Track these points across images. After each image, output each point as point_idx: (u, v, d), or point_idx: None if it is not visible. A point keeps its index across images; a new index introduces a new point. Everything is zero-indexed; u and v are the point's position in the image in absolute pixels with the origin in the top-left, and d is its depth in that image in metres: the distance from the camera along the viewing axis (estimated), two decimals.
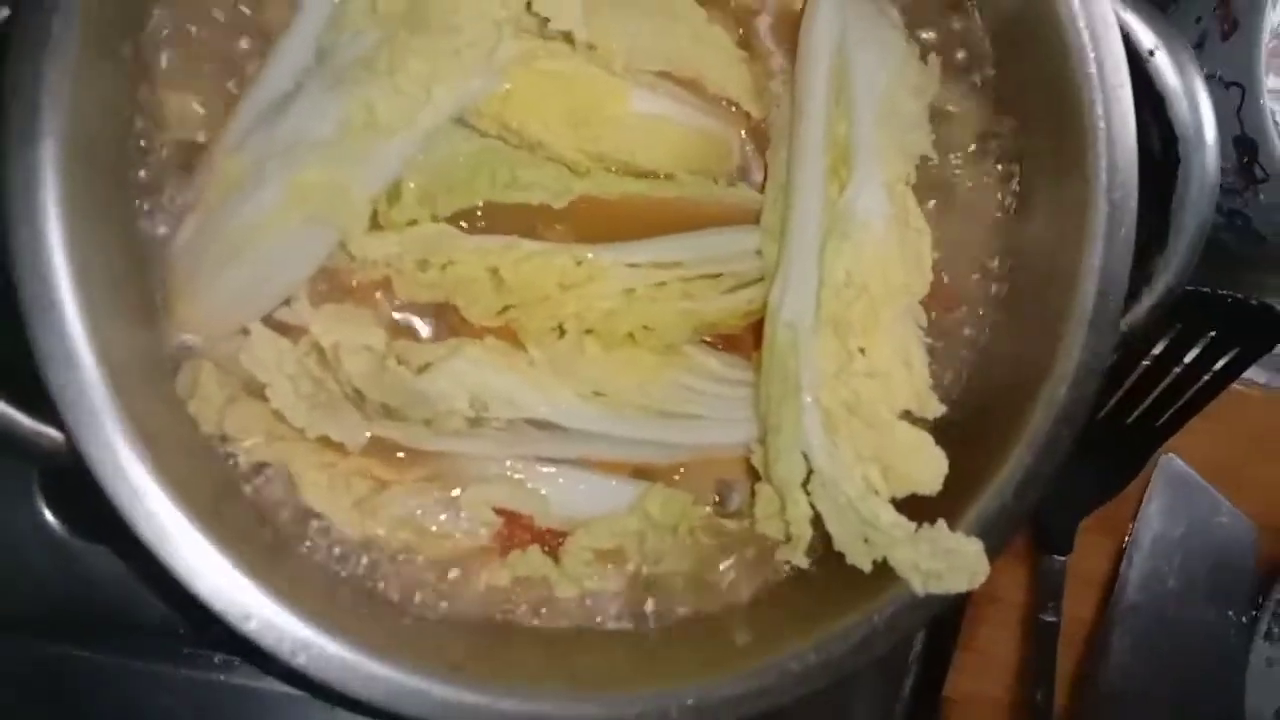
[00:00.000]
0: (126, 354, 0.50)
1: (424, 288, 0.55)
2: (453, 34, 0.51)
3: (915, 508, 0.54)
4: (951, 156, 0.60)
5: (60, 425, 0.49)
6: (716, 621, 0.58)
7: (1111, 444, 0.82)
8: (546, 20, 0.54)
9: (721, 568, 0.59)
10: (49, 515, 0.65)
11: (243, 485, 0.55)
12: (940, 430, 0.55)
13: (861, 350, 0.54)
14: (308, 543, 0.56)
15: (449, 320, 0.58)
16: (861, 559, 0.54)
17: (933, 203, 0.60)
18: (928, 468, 0.54)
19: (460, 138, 0.55)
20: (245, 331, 0.54)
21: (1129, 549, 0.86)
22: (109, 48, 0.51)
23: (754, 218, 0.59)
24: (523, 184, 0.56)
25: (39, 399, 0.50)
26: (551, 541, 0.58)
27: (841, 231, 0.54)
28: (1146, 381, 0.81)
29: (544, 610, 0.57)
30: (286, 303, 0.55)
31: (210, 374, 0.54)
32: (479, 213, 0.57)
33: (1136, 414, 0.82)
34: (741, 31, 0.60)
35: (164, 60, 0.54)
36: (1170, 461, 0.86)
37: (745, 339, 0.60)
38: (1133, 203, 0.53)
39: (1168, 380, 0.80)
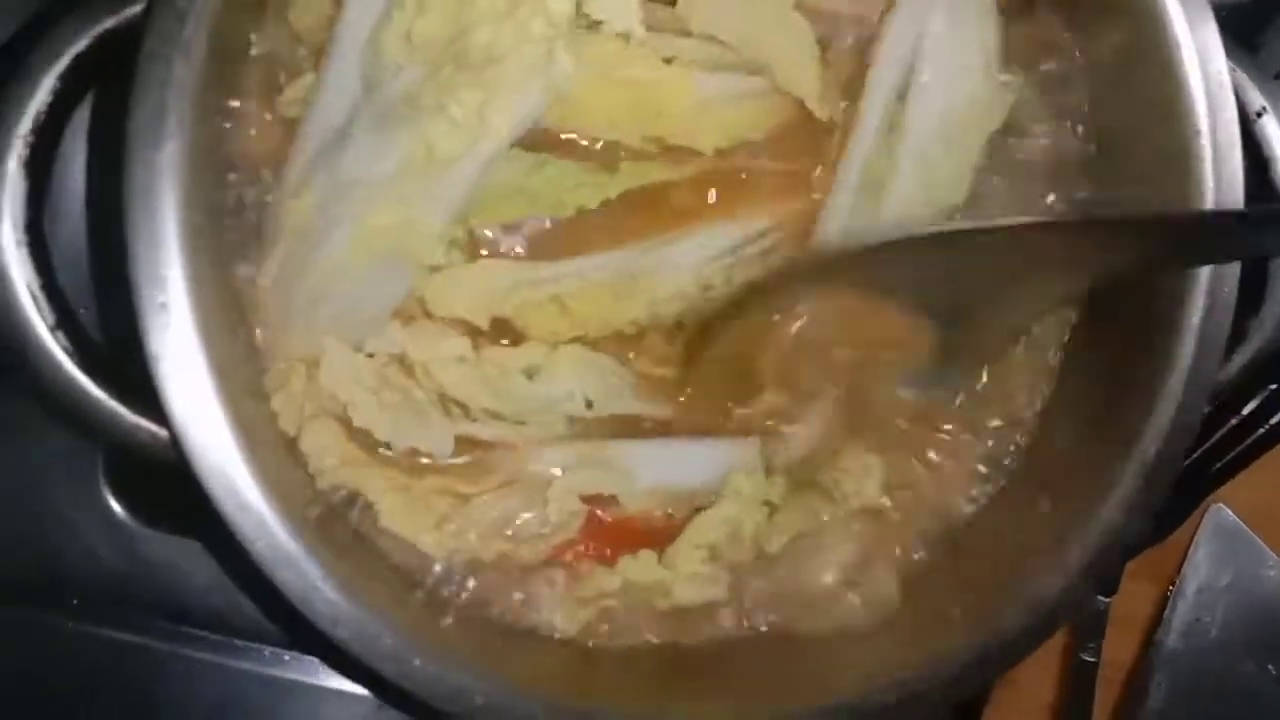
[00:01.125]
0: (230, 360, 0.52)
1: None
2: (497, 64, 0.53)
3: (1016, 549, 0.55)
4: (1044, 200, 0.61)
5: (160, 420, 0.50)
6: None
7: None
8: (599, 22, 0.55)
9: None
10: (112, 499, 0.67)
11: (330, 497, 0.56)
12: (1029, 480, 0.55)
13: None
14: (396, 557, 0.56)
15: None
16: None
17: None
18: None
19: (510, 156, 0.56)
20: None
21: (1173, 596, 0.86)
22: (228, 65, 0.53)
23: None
24: (570, 187, 0.57)
25: (140, 393, 0.51)
26: (647, 542, 0.58)
27: None
28: (1202, 428, 0.81)
29: (658, 621, 0.58)
30: None
31: (300, 375, 0.55)
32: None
33: (1190, 460, 0.82)
34: (822, 32, 0.60)
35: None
36: (1219, 511, 0.86)
37: None
38: (1236, 264, 0.53)
39: (1224, 429, 0.81)
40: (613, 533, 0.59)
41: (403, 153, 0.53)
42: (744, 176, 0.60)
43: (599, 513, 0.59)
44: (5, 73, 0.53)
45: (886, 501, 0.60)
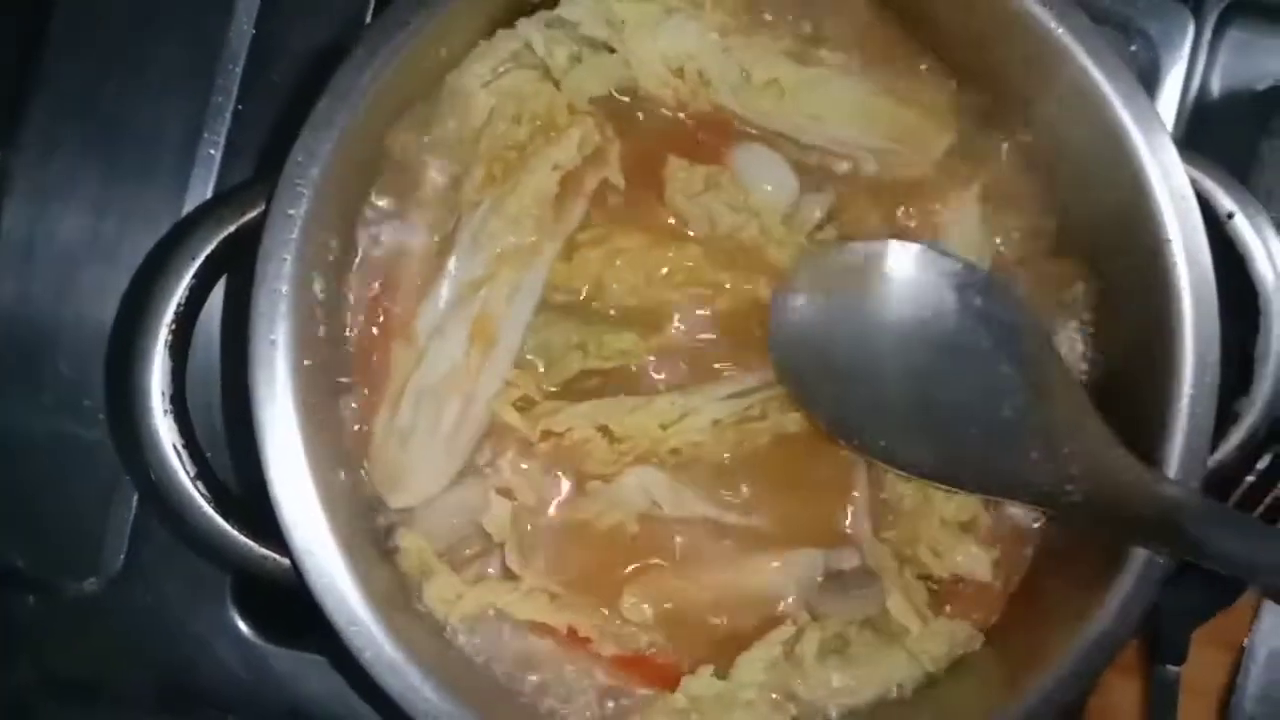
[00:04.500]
0: (339, 496, 0.59)
1: (543, 456, 0.64)
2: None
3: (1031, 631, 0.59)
4: None
5: (282, 550, 0.58)
6: None
7: None
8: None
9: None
10: (238, 618, 0.73)
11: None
12: (1046, 555, 0.60)
13: None
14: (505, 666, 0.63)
15: None
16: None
17: None
18: (969, 562, 0.62)
19: (550, 320, 0.64)
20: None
21: (1244, 661, 0.86)
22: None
23: None
24: (609, 351, 0.63)
25: (265, 528, 0.59)
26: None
27: None
28: (1254, 494, 0.83)
29: None
30: None
31: (411, 540, 0.63)
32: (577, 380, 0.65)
33: None
34: None
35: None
36: None
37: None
38: (1214, 355, 0.58)
39: (1272, 495, 0.83)
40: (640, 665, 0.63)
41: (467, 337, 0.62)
42: None
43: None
44: (154, 272, 0.61)
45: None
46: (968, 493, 0.63)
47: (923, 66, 0.66)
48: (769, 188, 0.64)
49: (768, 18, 0.65)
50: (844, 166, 0.66)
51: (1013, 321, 0.60)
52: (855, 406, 0.61)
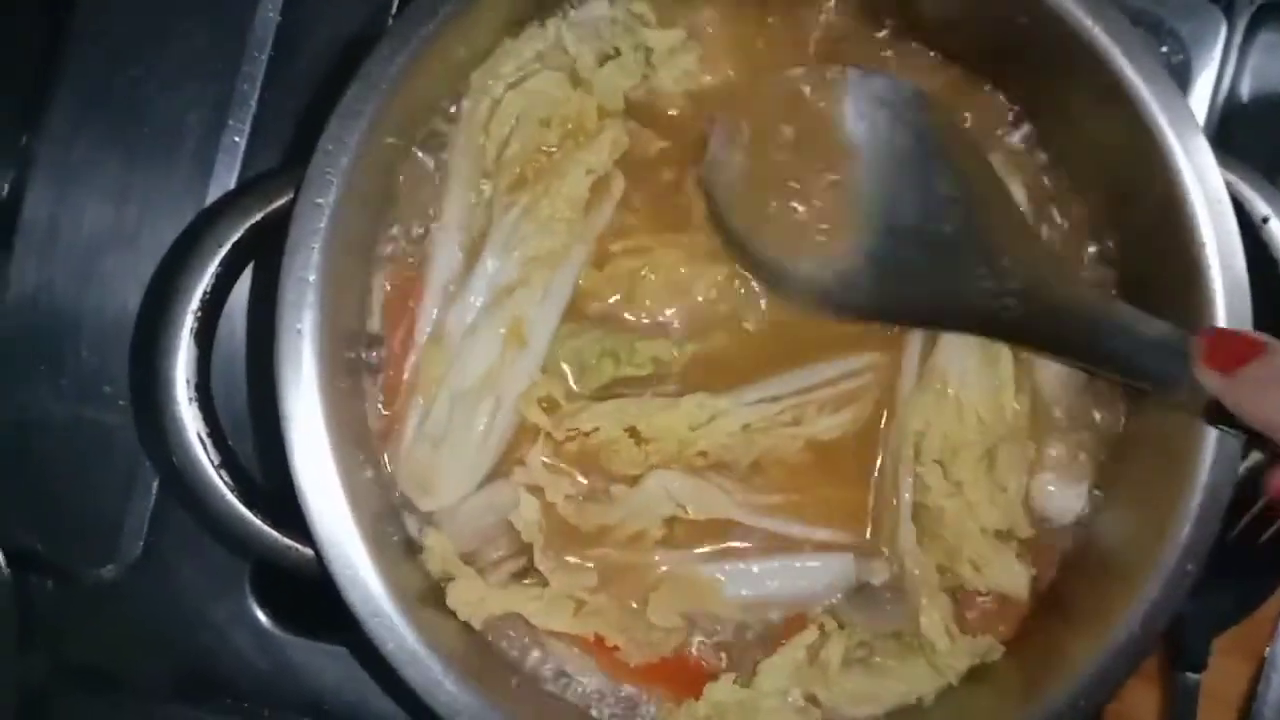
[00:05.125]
0: (364, 488, 0.59)
1: (569, 456, 0.64)
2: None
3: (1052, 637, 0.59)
4: None
5: (306, 541, 0.58)
6: None
7: (1244, 563, 0.84)
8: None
9: None
10: (256, 607, 0.73)
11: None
12: (1075, 562, 0.60)
13: (959, 484, 0.62)
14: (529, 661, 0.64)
15: None
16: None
17: None
18: (1009, 579, 0.61)
19: (580, 328, 0.64)
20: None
21: (1266, 670, 0.86)
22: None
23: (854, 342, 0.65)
24: (641, 358, 0.64)
25: (290, 519, 0.59)
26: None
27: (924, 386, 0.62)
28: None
29: None
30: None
31: (436, 540, 0.63)
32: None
33: (1268, 534, 0.83)
34: None
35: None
36: None
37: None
38: None
39: None
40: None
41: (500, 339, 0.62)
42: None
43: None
44: (180, 259, 0.61)
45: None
46: (911, 326, 0.63)
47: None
48: None
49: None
50: None
51: (947, 138, 0.61)
52: (792, 242, 0.61)
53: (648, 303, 0.64)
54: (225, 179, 0.72)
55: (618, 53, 0.64)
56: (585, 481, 0.63)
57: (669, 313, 0.64)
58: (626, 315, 0.64)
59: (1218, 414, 0.54)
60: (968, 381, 0.62)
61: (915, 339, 0.64)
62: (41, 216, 0.72)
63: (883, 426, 0.64)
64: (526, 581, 0.63)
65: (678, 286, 0.64)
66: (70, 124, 0.73)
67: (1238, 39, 0.74)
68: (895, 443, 0.64)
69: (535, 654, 0.64)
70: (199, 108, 0.73)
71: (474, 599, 0.62)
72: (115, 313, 0.72)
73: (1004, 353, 0.63)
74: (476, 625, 0.62)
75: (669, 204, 0.65)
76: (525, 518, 0.62)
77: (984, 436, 0.63)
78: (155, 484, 0.72)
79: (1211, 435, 0.58)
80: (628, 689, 0.63)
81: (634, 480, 0.62)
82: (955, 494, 0.63)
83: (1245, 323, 0.58)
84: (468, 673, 0.58)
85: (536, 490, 0.62)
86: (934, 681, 0.63)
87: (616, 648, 0.62)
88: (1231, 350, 0.52)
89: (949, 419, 0.62)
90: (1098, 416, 0.65)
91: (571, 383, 0.63)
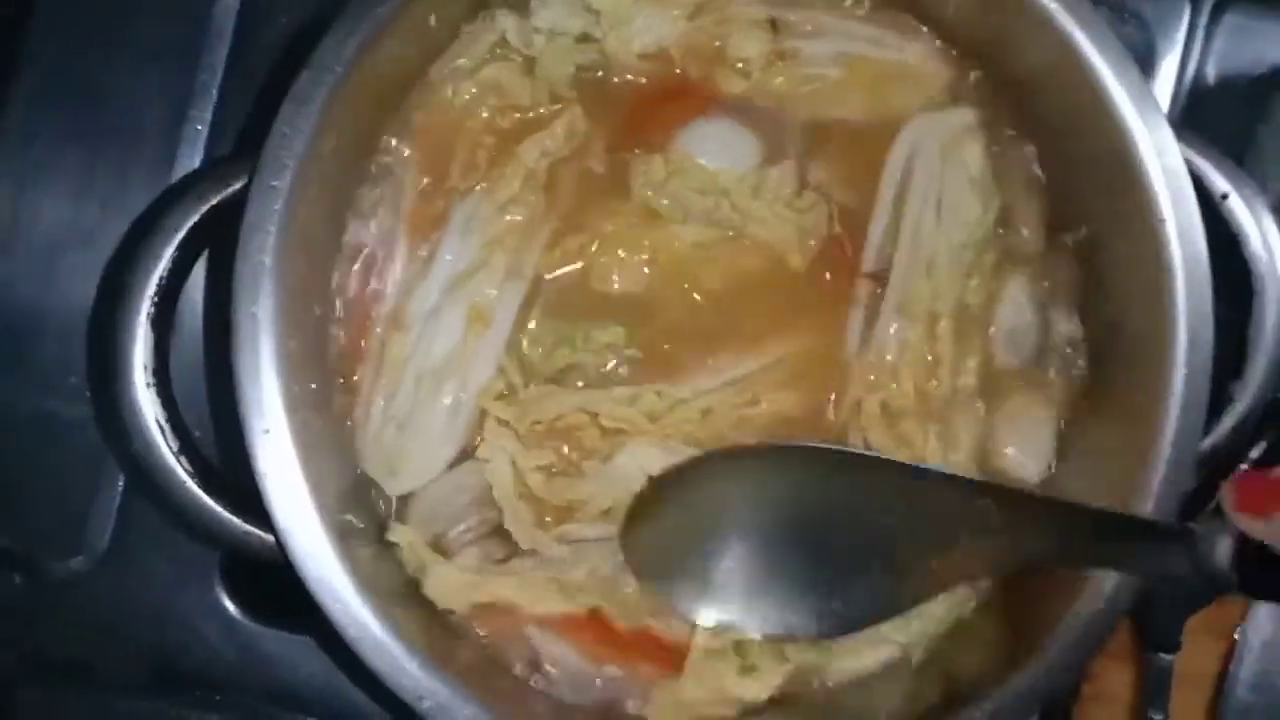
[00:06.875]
0: (325, 474, 0.59)
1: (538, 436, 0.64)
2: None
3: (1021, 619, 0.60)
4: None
5: (267, 528, 0.58)
6: None
7: None
8: None
9: None
10: (226, 598, 0.72)
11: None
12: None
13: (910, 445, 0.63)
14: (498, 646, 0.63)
15: None
16: None
17: None
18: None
19: (536, 315, 0.65)
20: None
21: (1239, 650, 0.86)
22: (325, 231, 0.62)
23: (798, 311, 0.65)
24: (595, 345, 0.64)
25: (250, 505, 0.58)
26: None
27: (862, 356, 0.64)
28: None
29: None
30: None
31: (404, 535, 0.63)
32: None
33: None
34: None
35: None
36: None
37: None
38: (1208, 334, 0.58)
39: None
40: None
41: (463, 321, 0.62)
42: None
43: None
44: (136, 242, 0.60)
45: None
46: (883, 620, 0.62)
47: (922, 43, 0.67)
48: (726, 161, 0.65)
49: None
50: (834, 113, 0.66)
51: (877, 481, 0.60)
52: (740, 597, 0.61)
53: (599, 276, 0.65)
54: (187, 170, 0.72)
55: (564, 38, 0.65)
56: (556, 455, 0.64)
57: (624, 289, 0.65)
58: (580, 295, 0.65)
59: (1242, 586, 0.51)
60: (907, 350, 0.63)
61: (857, 311, 0.65)
62: (3, 211, 0.72)
63: (832, 398, 0.65)
64: (499, 557, 0.63)
65: (630, 260, 0.65)
66: (30, 119, 0.72)
67: (1203, 21, 0.74)
68: (844, 414, 0.64)
69: (506, 639, 0.64)
70: (160, 99, 0.72)
71: (451, 588, 0.62)
72: (78, 306, 0.72)
73: (943, 323, 0.64)
74: (460, 612, 0.62)
75: (611, 179, 0.66)
76: (498, 477, 0.62)
77: (922, 403, 0.63)
78: (121, 476, 0.72)
79: (1175, 393, 0.58)
80: (611, 670, 0.63)
81: (606, 457, 0.63)
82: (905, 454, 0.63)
83: (1205, 299, 0.58)
84: (434, 658, 0.58)
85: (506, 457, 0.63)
86: (911, 628, 0.63)
87: (605, 619, 0.62)
88: (1264, 492, 0.51)
89: (886, 385, 0.63)
90: (1054, 376, 0.65)
91: (523, 373, 0.64)
